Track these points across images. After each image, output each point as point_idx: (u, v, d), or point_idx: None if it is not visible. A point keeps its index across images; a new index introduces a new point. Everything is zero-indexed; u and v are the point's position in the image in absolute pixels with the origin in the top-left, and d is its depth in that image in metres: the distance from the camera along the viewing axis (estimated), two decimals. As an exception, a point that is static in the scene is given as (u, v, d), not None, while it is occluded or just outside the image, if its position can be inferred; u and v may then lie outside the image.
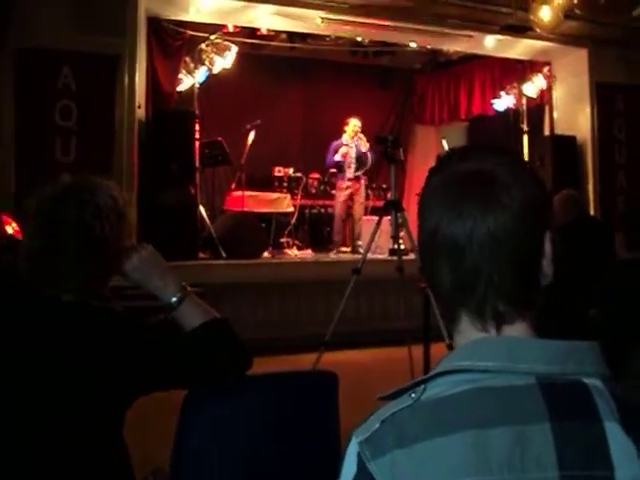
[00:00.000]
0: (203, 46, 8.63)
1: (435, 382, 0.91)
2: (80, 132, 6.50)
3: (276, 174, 9.72)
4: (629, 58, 8.74)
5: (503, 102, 9.97)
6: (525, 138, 9.82)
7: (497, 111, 10.10)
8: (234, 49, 8.75)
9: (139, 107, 6.97)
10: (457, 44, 9.14)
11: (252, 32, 9.08)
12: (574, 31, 8.44)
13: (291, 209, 9.36)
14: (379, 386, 1.00)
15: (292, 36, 9.34)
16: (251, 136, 8.68)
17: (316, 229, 9.94)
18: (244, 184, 8.77)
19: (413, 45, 9.49)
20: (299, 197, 9.57)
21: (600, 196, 8.83)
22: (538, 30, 7.90)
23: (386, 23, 8.17)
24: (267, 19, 8.04)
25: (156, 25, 7.84)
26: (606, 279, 3.56)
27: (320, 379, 2.03)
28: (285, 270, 7.75)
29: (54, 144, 6.42)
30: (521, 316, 0.94)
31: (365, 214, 9.40)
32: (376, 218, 5.34)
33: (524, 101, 9.85)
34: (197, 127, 7.59)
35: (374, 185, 10.22)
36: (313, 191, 9.92)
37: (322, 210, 9.98)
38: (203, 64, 8.76)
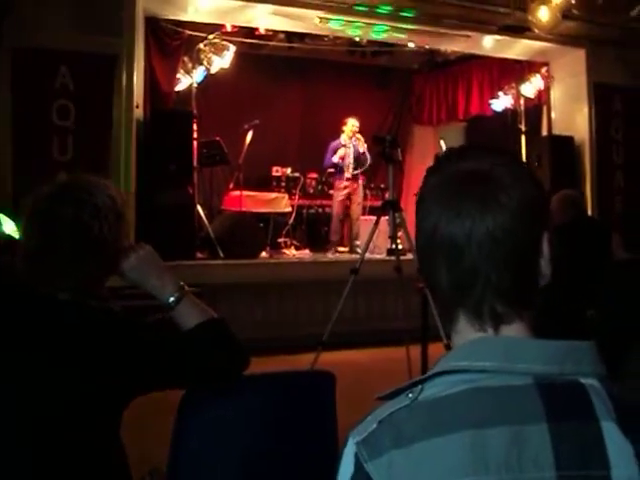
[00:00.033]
0: (201, 46, 8.62)
1: (433, 382, 0.91)
2: (78, 132, 6.48)
3: (274, 174, 9.72)
4: (627, 58, 8.75)
5: (501, 102, 9.97)
6: (523, 138, 9.82)
7: (495, 111, 10.10)
8: (232, 49, 8.75)
9: (137, 107, 6.97)
10: (455, 44, 9.14)
11: (250, 32, 9.07)
12: (572, 31, 8.44)
13: (289, 209, 9.37)
14: (377, 386, 1.00)
15: (290, 36, 9.35)
16: (249, 136, 8.67)
17: (314, 229, 9.94)
18: (242, 184, 8.76)
19: (411, 45, 9.50)
20: (297, 197, 9.58)
21: (598, 196, 8.83)
22: (536, 30, 7.90)
23: (385, 23, 8.18)
24: (265, 19, 8.03)
25: (154, 25, 7.84)
26: (604, 279, 3.57)
27: (318, 379, 2.03)
28: (283, 270, 7.75)
29: (52, 143, 6.41)
30: (519, 316, 0.94)
31: (363, 214, 9.40)
32: (374, 218, 5.35)
33: (522, 101, 9.85)
34: (195, 127, 7.59)
35: (372, 185, 10.23)
36: (311, 191, 9.93)
37: (320, 210, 9.99)
38: (201, 64, 8.75)
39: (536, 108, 9.76)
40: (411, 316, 4.97)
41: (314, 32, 8.76)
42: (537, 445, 0.83)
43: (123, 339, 1.63)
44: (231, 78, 9.15)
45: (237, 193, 8.77)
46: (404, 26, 8.25)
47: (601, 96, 8.91)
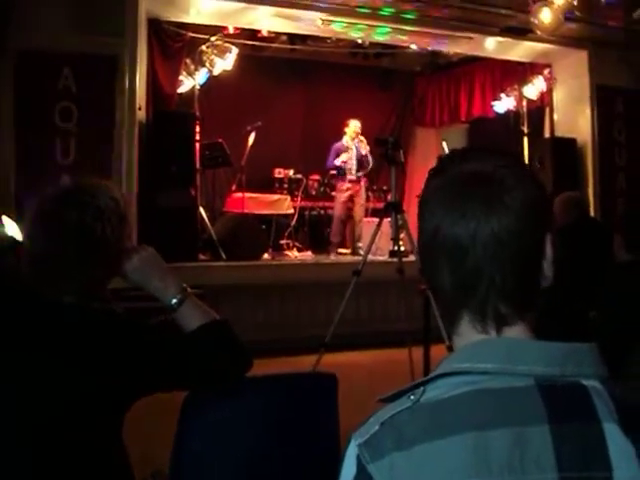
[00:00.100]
0: (203, 48, 8.63)
1: (434, 384, 0.91)
2: (80, 134, 6.49)
3: (276, 176, 9.72)
4: (629, 60, 8.74)
5: (503, 104, 9.96)
6: (525, 140, 9.81)
7: (497, 113, 10.09)
8: (234, 51, 8.75)
9: (139, 109, 6.97)
10: (457, 46, 9.14)
11: (252, 34, 9.09)
12: (574, 33, 8.43)
13: (291, 211, 9.37)
14: (379, 388, 1.00)
15: (292, 38, 9.35)
16: (251, 138, 8.68)
17: (316, 231, 9.93)
18: (244, 186, 8.77)
19: (413, 47, 9.50)
20: (299, 199, 9.58)
21: (600, 198, 8.83)
22: (538, 32, 7.89)
23: (388, 25, 8.18)
24: (267, 21, 8.05)
25: (156, 27, 7.84)
26: (606, 281, 3.56)
27: (320, 381, 2.03)
28: (285, 272, 7.75)
29: (54, 146, 6.41)
30: (521, 318, 0.94)
31: (365, 216, 9.40)
32: (376, 220, 5.34)
33: (524, 103, 9.84)
34: (197, 129, 7.59)
35: (374, 187, 10.22)
36: (313, 193, 9.93)
37: (322, 212, 9.99)
38: (203, 66, 8.76)
39: (538, 110, 9.75)
40: (413, 318, 4.96)
41: (316, 34, 8.76)
42: (539, 446, 0.83)
43: (125, 340, 1.63)
44: (233, 80, 9.14)
45: (239, 195, 8.78)
46: (406, 28, 8.25)
47: (604, 98, 8.90)
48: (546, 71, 9.49)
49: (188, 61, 8.60)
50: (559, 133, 9.34)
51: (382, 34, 8.66)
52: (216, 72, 8.83)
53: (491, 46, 8.83)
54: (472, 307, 0.94)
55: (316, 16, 7.76)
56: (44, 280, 1.66)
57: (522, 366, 0.87)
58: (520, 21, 7.89)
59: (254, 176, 9.25)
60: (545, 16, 7.52)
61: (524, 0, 7.61)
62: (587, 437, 0.84)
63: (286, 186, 9.66)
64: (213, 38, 8.61)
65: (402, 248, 5.45)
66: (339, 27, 8.25)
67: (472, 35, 8.46)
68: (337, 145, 9.16)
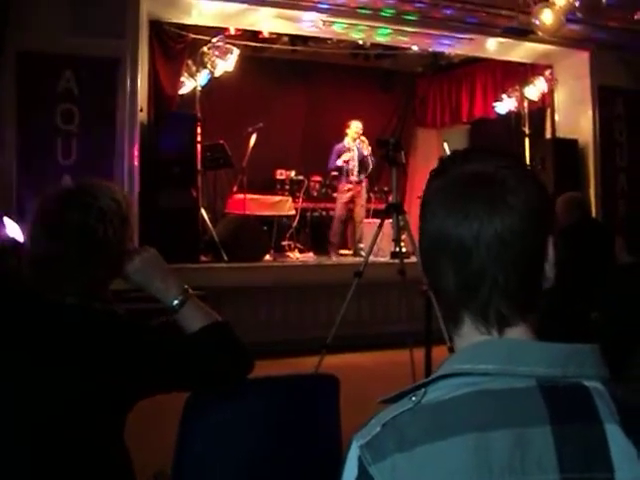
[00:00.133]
0: (205, 49, 8.63)
1: (436, 385, 0.91)
2: (82, 135, 6.50)
3: (278, 177, 9.73)
4: (631, 61, 8.74)
5: (505, 105, 9.96)
6: (527, 141, 9.81)
7: (499, 114, 10.09)
8: (236, 52, 8.75)
9: (141, 110, 6.98)
10: (458, 47, 9.14)
11: (254, 35, 9.10)
12: (576, 34, 8.43)
13: (293, 212, 9.37)
14: (380, 389, 1.00)
15: (294, 39, 9.36)
16: (253, 139, 8.68)
17: (318, 232, 9.92)
18: (246, 187, 8.78)
19: (414, 48, 9.50)
20: (301, 200, 9.58)
21: (601, 199, 8.83)
22: (540, 33, 7.89)
23: (389, 26, 8.19)
24: (269, 22, 8.05)
25: (158, 28, 7.85)
26: (608, 283, 3.56)
27: (321, 382, 2.03)
28: (287, 273, 7.75)
29: (56, 147, 6.42)
30: (523, 319, 0.94)
31: (367, 217, 9.39)
32: (378, 221, 5.33)
33: (526, 104, 9.84)
34: (199, 130, 7.59)
35: (375, 188, 10.23)
36: (315, 194, 9.94)
37: (324, 213, 9.99)
38: (205, 67, 8.76)
39: (540, 111, 9.75)
40: (415, 319, 4.96)
41: (317, 35, 8.76)
42: (540, 447, 0.83)
43: (127, 341, 1.63)
44: (235, 81, 9.15)
45: (241, 196, 8.78)
46: (407, 29, 8.26)
47: (605, 99, 8.90)
48: (547, 72, 9.50)
49: (189, 62, 8.61)
50: (560, 134, 9.34)
51: (383, 35, 8.68)
52: (217, 73, 8.83)
53: (492, 47, 8.84)
54: (474, 308, 0.94)
55: (317, 17, 7.77)
56: (45, 281, 1.66)
57: (523, 367, 0.87)
58: (521, 22, 7.89)
59: (255, 177, 9.27)
60: (546, 17, 7.52)
61: (525, 1, 7.62)
62: (589, 438, 0.84)
63: (287, 187, 9.66)
64: (214, 39, 8.61)
65: (403, 249, 5.45)
66: (340, 28, 8.27)
67: (473, 36, 8.47)
68: (338, 146, 9.15)
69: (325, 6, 7.56)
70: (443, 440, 0.84)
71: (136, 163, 6.80)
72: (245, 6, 7.48)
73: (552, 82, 9.46)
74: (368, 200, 9.64)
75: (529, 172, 1.00)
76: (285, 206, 9.33)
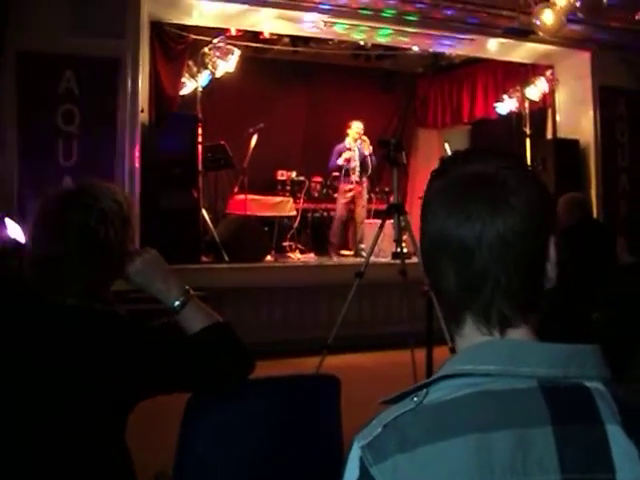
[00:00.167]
0: (206, 50, 8.63)
1: (437, 386, 0.91)
2: (82, 136, 6.49)
3: (279, 178, 9.73)
4: (632, 61, 8.74)
5: (506, 105, 9.96)
6: (528, 141, 9.80)
7: (500, 114, 10.08)
8: (237, 53, 8.75)
9: (142, 111, 6.98)
10: (459, 48, 9.13)
11: (255, 36, 9.09)
12: (577, 34, 8.43)
13: (294, 213, 9.37)
14: (381, 390, 1.00)
15: (295, 40, 9.36)
16: (254, 140, 8.69)
17: (319, 233, 9.92)
18: (247, 188, 8.78)
19: (415, 49, 9.50)
20: (302, 201, 9.58)
21: (603, 200, 8.83)
22: (541, 33, 7.89)
23: (389, 26, 8.19)
24: (270, 23, 8.05)
25: (159, 29, 7.85)
26: (609, 283, 3.56)
27: (322, 383, 2.03)
28: (288, 274, 7.75)
29: (57, 148, 6.42)
30: (524, 319, 0.94)
31: (368, 217, 9.39)
32: (379, 221, 5.33)
33: (527, 104, 9.83)
34: (200, 131, 7.60)
35: (377, 188, 10.23)
36: (316, 195, 9.93)
37: (325, 214, 9.99)
38: (206, 68, 8.77)
39: (541, 111, 9.75)
40: (416, 319, 4.96)
41: (318, 36, 8.77)
42: (542, 448, 0.83)
43: (128, 342, 1.63)
44: (236, 82, 9.15)
45: (242, 197, 8.79)
46: (408, 30, 8.26)
47: (606, 99, 8.90)
48: (548, 72, 9.50)
49: (190, 63, 8.61)
50: (561, 134, 9.34)
51: (384, 36, 8.68)
52: (218, 74, 8.84)
53: (493, 47, 8.83)
54: (476, 309, 0.93)
55: (318, 18, 7.77)
56: (47, 282, 1.66)
57: (525, 368, 0.87)
58: (522, 22, 7.89)
59: (256, 178, 9.27)
60: (547, 17, 7.52)
61: (526, 1, 7.61)
62: (590, 439, 0.84)
63: (288, 188, 9.67)
64: (215, 40, 8.61)
65: (405, 250, 5.45)
66: (341, 29, 8.27)
67: (474, 37, 8.47)
68: (339, 146, 9.15)
69: (326, 7, 7.56)
70: (445, 441, 0.84)
71: (137, 164, 6.80)
72: (246, 7, 7.48)
73: (553, 82, 9.46)
74: (369, 201, 9.64)
75: (530, 172, 1.00)
76: (286, 207, 9.33)
